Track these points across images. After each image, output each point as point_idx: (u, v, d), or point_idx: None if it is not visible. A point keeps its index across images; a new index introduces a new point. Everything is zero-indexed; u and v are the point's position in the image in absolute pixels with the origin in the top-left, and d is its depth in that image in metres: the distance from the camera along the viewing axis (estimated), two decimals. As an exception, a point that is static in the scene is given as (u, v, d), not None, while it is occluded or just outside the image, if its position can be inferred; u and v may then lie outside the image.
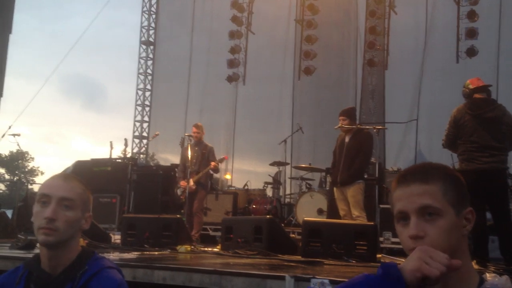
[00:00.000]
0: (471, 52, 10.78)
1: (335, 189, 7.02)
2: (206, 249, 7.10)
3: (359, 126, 7.00)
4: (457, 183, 1.43)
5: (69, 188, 1.89)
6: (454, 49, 11.25)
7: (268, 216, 7.14)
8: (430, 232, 1.36)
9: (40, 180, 33.26)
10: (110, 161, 11.47)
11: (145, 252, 6.18)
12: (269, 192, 11.36)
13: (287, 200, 11.46)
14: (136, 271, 4.42)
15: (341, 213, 6.90)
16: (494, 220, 5.71)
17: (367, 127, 6.96)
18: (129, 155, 13.42)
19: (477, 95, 5.74)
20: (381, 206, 8.03)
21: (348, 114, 7.04)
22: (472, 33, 10.76)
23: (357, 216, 6.55)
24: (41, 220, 1.82)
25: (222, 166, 11.83)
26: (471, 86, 5.79)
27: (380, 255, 6.11)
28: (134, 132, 15.85)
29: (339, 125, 7.14)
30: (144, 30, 16.16)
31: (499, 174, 5.61)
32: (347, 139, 6.95)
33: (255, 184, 11.59)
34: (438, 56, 11.92)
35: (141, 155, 15.79)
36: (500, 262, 5.59)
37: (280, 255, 5.82)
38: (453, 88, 10.87)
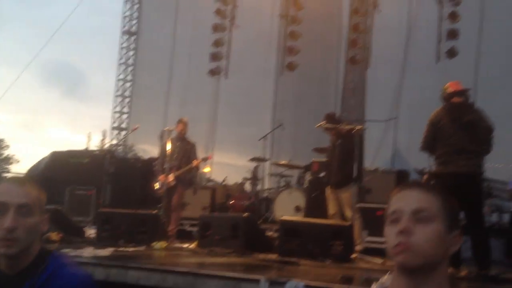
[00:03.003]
0: (452, 53, 10.85)
1: (328, 189, 7.01)
2: (182, 245, 7.06)
3: (340, 127, 6.98)
4: (455, 206, 1.50)
5: (25, 193, 1.78)
6: (435, 49, 11.32)
7: (245, 214, 7.12)
8: (418, 232, 1.40)
9: (15, 169, 32.68)
10: (87, 153, 11.34)
11: (120, 248, 6.12)
12: (248, 186, 11.34)
13: (265, 194, 11.46)
14: (110, 271, 4.37)
15: (331, 212, 6.92)
16: (468, 223, 5.75)
17: (350, 127, 6.91)
18: (107, 146, 13.30)
19: (455, 99, 5.76)
20: (358, 204, 8.09)
21: (329, 120, 7.05)
22: (453, 34, 10.83)
23: (350, 218, 6.58)
24: (0, 231, 1.70)
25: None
26: (449, 90, 5.81)
27: (355, 255, 6.15)
28: (113, 123, 15.70)
29: (321, 124, 7.18)
30: (126, 20, 15.96)
31: (475, 178, 5.65)
32: (338, 141, 6.95)
33: (235, 178, 11.56)
34: (420, 56, 11.99)
35: (120, 147, 15.65)
36: (472, 265, 5.65)
37: (256, 254, 5.82)
38: (433, 87, 10.93)
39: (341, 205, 6.81)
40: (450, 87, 5.82)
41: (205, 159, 8.61)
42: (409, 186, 1.51)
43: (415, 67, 12.04)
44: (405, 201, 1.46)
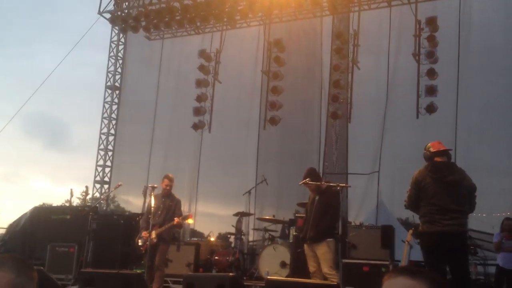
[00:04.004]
0: (431, 108, 11.12)
1: (305, 245, 7.03)
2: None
3: (324, 183, 7.05)
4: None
5: None
6: (415, 104, 11.58)
7: (231, 273, 7.04)
8: None
9: (-6, 221, 32.04)
10: (69, 209, 11.20)
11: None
12: (232, 240, 11.24)
13: (250, 245, 11.38)
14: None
15: (311, 269, 6.90)
16: (454, 281, 5.78)
17: (333, 184, 6.99)
18: (89, 198, 13.14)
19: (437, 158, 5.89)
20: (344, 260, 8.06)
21: (311, 176, 7.12)
22: (431, 91, 11.13)
23: (328, 274, 6.56)
24: None
25: (185, 209, 11.74)
26: (432, 149, 5.94)
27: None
28: (95, 177, 15.55)
29: (305, 181, 7.23)
30: (110, 75, 16.13)
31: (459, 236, 5.72)
32: (316, 197, 7.02)
33: (218, 228, 11.48)
34: (400, 111, 12.28)
35: (102, 202, 15.47)
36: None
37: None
38: (414, 141, 11.22)
39: (319, 261, 6.80)
40: (432, 146, 5.95)
41: (185, 218, 8.52)
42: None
43: (396, 121, 12.29)
44: None
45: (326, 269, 6.61)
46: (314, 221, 6.91)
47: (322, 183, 7.12)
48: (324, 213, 6.82)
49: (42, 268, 7.60)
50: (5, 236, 12.05)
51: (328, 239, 6.72)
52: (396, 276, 1.51)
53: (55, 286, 7.15)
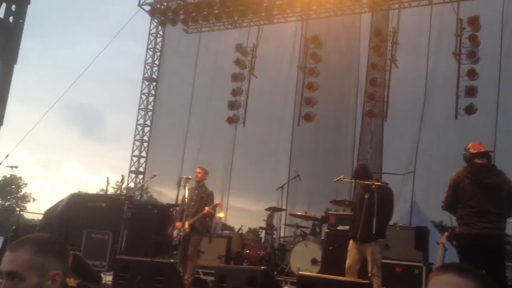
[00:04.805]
0: (470, 110, 10.89)
1: (352, 242, 6.90)
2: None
3: (358, 181, 6.95)
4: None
5: (12, 259, 1.75)
6: (454, 105, 11.36)
7: (262, 267, 7.08)
8: None
9: (31, 207, 33.06)
10: (105, 197, 11.43)
11: (137, 298, 6.10)
12: (263, 235, 11.27)
13: (280, 241, 11.39)
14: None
15: (348, 265, 6.76)
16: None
17: (368, 182, 6.86)
18: (125, 190, 13.38)
19: (477, 160, 5.77)
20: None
21: (358, 173, 7.02)
22: (471, 91, 10.90)
23: (374, 275, 6.45)
24: None
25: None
26: (472, 151, 5.82)
27: (374, 314, 6.03)
28: (131, 167, 15.84)
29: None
30: (147, 67, 16.36)
31: (497, 240, 5.60)
32: (366, 195, 6.84)
33: (250, 223, 11.51)
34: (437, 111, 12.08)
35: (136, 192, 15.75)
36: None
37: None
38: (451, 143, 11.02)
39: (365, 260, 6.68)
40: (473, 148, 5.83)
41: (214, 207, 8.57)
42: (443, 269, 1.51)
43: (433, 122, 12.10)
44: (439, 285, 1.47)
45: (374, 269, 6.47)
46: (364, 221, 6.74)
47: (370, 181, 6.90)
48: (376, 213, 6.60)
49: (78, 253, 7.79)
50: (42, 221, 12.39)
51: (379, 239, 6.58)
52: (445, 272, 1.49)
53: (91, 272, 7.33)
